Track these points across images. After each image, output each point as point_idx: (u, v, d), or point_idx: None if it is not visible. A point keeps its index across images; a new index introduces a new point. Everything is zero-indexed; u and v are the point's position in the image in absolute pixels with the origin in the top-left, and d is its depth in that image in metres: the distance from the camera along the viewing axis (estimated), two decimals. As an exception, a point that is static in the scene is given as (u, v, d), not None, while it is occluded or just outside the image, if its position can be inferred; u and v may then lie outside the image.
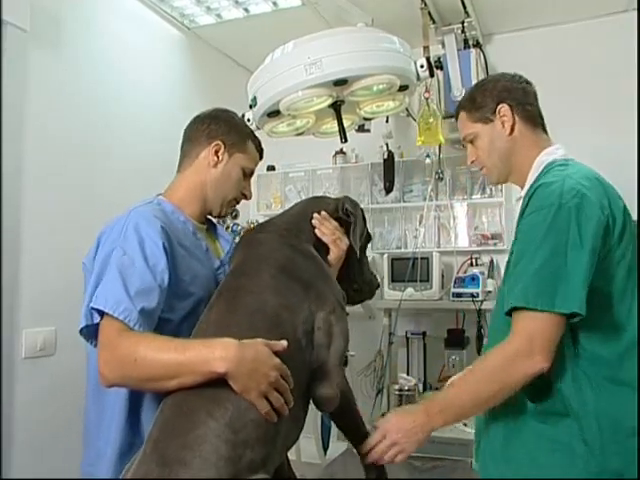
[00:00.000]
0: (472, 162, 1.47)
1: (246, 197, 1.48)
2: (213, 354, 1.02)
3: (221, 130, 1.43)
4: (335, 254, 1.36)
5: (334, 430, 2.52)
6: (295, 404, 1.09)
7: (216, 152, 1.40)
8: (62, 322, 1.96)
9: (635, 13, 2.49)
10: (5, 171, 1.83)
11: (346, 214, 1.39)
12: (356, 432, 1.26)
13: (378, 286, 1.53)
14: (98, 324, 1.12)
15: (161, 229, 1.22)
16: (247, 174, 1.45)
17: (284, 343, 1.07)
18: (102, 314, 1.11)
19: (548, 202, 1.18)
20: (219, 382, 1.01)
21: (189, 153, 1.43)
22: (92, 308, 1.12)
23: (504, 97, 1.39)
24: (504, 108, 1.38)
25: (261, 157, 1.52)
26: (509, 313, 1.18)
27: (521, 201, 1.33)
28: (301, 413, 1.15)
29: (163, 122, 2.53)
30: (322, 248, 1.34)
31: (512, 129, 1.38)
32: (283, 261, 1.23)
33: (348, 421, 1.27)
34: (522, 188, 1.38)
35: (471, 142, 1.44)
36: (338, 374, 1.17)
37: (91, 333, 1.16)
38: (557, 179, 1.22)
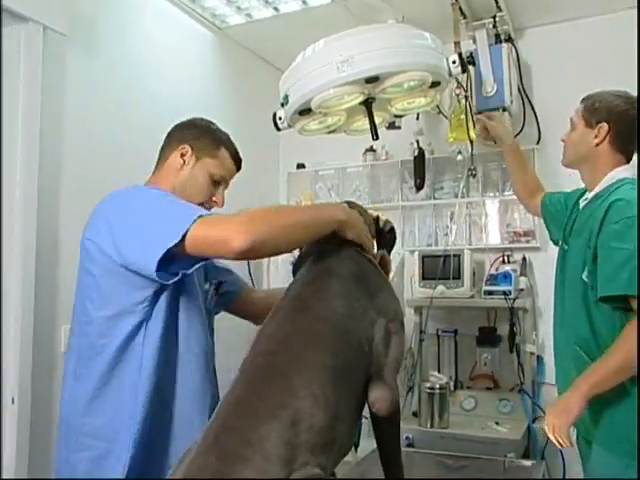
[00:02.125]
0: (562, 140, 1.84)
1: (217, 205, 1.49)
2: (336, 207, 1.30)
3: (192, 135, 1.48)
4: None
5: (365, 428, 2.51)
6: (352, 412, 1.10)
7: (182, 155, 1.44)
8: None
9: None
10: (45, 170, 1.88)
11: (389, 230, 1.45)
12: (390, 456, 1.26)
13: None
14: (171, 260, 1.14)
15: None
16: (217, 181, 1.47)
17: None
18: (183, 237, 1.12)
19: (631, 213, 1.50)
20: (285, 388, 1.03)
21: (161, 156, 1.49)
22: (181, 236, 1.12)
23: (612, 119, 1.67)
24: (603, 128, 1.67)
25: (238, 168, 1.55)
26: (606, 299, 1.51)
27: (586, 202, 1.73)
28: (356, 422, 1.16)
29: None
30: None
31: (599, 144, 1.68)
32: (354, 271, 1.25)
33: (389, 439, 1.25)
34: (588, 186, 1.76)
35: (571, 126, 1.77)
36: (394, 380, 1.19)
37: (165, 271, 1.16)
38: (631, 197, 1.54)
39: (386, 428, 1.22)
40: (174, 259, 1.15)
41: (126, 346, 1.24)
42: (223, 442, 0.98)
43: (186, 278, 1.25)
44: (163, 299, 1.26)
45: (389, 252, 1.47)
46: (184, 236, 1.12)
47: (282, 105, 1.77)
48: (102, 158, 2.11)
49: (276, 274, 2.76)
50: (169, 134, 1.52)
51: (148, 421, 1.23)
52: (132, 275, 1.21)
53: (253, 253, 1.14)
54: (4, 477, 1.72)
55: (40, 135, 1.87)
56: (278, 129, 1.88)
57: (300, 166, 3.01)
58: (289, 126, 1.84)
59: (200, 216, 1.14)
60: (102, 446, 1.23)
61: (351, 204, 1.44)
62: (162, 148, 1.50)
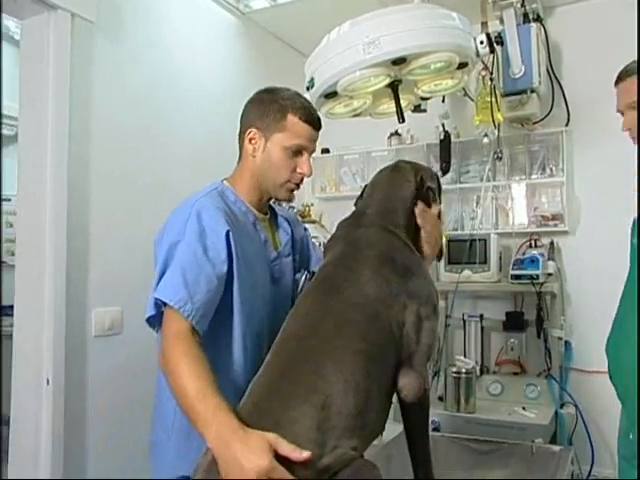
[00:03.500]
0: (628, 129, 1.45)
1: (304, 174, 1.37)
2: (211, 426, 1.01)
3: (254, 114, 1.37)
4: (430, 252, 1.33)
5: (391, 412, 2.52)
6: (382, 398, 1.11)
7: (250, 141, 1.36)
8: (128, 303, 2.03)
9: None
10: (74, 155, 1.91)
11: (427, 191, 1.35)
12: (417, 441, 1.25)
13: None
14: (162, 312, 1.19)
15: (224, 221, 1.24)
16: (295, 151, 1.34)
17: (304, 455, 0.97)
18: (164, 303, 1.17)
19: None
20: (317, 372, 1.05)
21: (240, 145, 1.42)
22: (155, 298, 1.18)
23: None
24: None
25: (315, 126, 1.38)
26: None
27: None
28: (388, 407, 1.17)
29: (220, 107, 2.56)
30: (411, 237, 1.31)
31: None
32: (385, 254, 1.22)
33: (416, 425, 1.25)
34: None
35: (635, 109, 1.41)
36: (424, 367, 1.18)
37: (157, 321, 1.21)
38: None
39: (414, 414, 1.22)
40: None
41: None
42: (255, 423, 1.00)
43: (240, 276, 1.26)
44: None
45: (439, 201, 1.42)
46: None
47: (308, 89, 1.76)
48: (129, 143, 2.13)
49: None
50: (240, 119, 1.42)
51: None
52: None
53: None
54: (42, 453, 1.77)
55: (70, 121, 1.89)
56: (304, 113, 1.87)
57: (325, 151, 2.99)
58: (315, 110, 1.84)
59: (170, 305, 1.17)
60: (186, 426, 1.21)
61: (400, 163, 1.41)
62: (239, 135, 1.43)
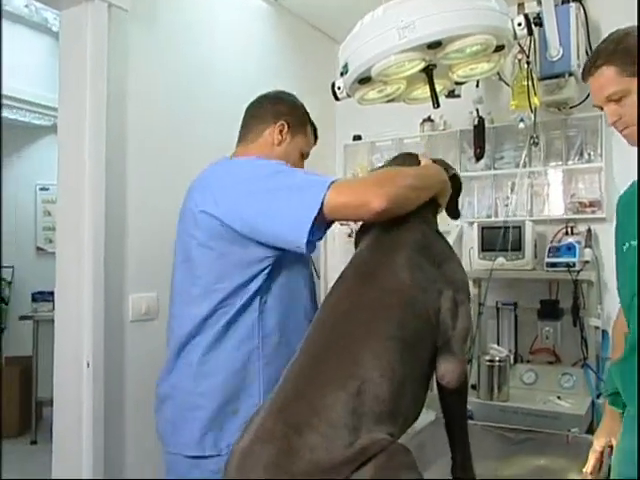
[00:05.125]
0: (614, 123, 1.32)
1: None
2: (436, 170, 1.32)
3: (286, 111, 1.51)
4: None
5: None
6: (418, 385, 1.11)
7: (280, 131, 1.48)
8: (163, 289, 2.05)
9: None
10: (111, 142, 1.93)
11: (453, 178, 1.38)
12: (457, 428, 1.26)
13: None
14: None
15: None
16: (303, 155, 1.54)
17: None
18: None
19: None
20: (353, 358, 1.04)
21: (253, 129, 1.50)
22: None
23: None
24: None
25: (315, 142, 1.60)
26: None
27: None
28: (423, 394, 1.16)
29: (252, 94, 2.55)
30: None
31: None
32: (419, 241, 1.22)
33: (456, 412, 1.25)
34: None
35: (616, 100, 1.28)
36: (462, 352, 1.18)
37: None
38: None
39: (454, 401, 1.22)
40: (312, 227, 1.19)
41: (240, 315, 1.31)
42: (291, 408, 1.00)
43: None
44: (278, 267, 1.32)
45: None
46: (322, 203, 1.16)
47: (341, 74, 1.75)
48: (165, 130, 2.15)
49: (333, 244, 2.76)
50: (260, 106, 1.54)
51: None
52: (255, 247, 1.27)
53: (389, 213, 1.18)
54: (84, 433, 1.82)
55: (107, 110, 1.92)
56: (337, 99, 1.86)
57: (356, 138, 2.97)
58: (348, 96, 1.82)
59: (332, 182, 1.19)
60: (213, 407, 1.30)
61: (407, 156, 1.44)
62: (253, 120, 1.52)
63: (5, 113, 3.45)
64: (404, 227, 1.24)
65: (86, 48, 1.89)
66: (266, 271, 1.30)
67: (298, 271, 1.40)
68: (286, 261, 1.33)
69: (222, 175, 1.34)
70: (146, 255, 2.05)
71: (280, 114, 1.49)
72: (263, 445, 0.98)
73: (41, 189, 4.31)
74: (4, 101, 3.07)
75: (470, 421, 2.06)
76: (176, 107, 2.21)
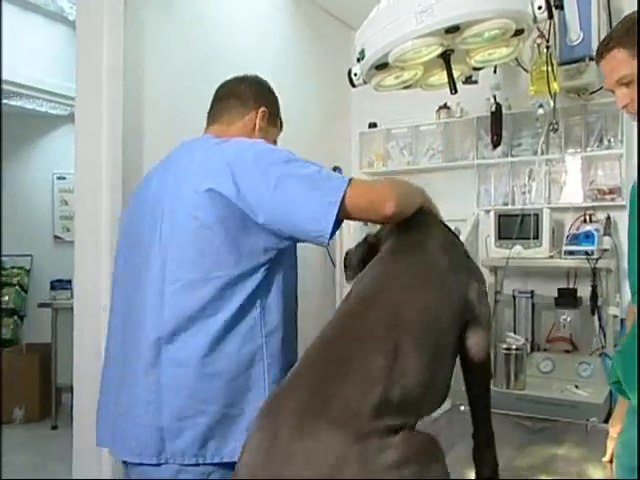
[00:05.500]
0: (624, 106, 1.29)
1: None
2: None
3: (267, 97, 1.48)
4: None
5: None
6: (443, 371, 1.12)
7: (262, 118, 1.44)
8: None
9: None
10: (128, 133, 1.93)
11: None
12: (482, 409, 1.30)
13: None
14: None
15: None
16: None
17: None
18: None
19: None
20: (375, 347, 1.02)
21: (234, 110, 1.44)
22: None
23: None
24: None
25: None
26: None
27: None
28: (446, 382, 1.16)
29: (270, 80, 2.54)
30: None
31: None
32: (447, 237, 1.32)
33: (482, 389, 1.29)
34: None
35: (626, 84, 1.26)
36: (488, 328, 1.23)
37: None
38: None
39: (480, 375, 1.26)
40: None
41: (243, 310, 1.23)
42: (308, 401, 0.98)
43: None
44: (278, 261, 1.27)
45: None
46: (343, 197, 1.15)
47: (358, 60, 1.73)
48: (181, 118, 2.13)
49: (348, 234, 2.75)
50: (241, 87, 1.48)
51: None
52: (265, 235, 1.21)
53: (396, 218, 1.21)
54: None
55: (123, 98, 1.91)
56: (353, 85, 1.84)
57: (372, 125, 2.95)
58: (364, 82, 1.80)
59: (351, 179, 1.19)
60: (216, 411, 1.20)
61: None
62: (234, 100, 1.45)
63: (22, 103, 3.47)
64: (424, 226, 1.30)
65: (103, 36, 1.88)
66: (267, 265, 1.24)
67: (293, 267, 1.36)
68: (285, 256, 1.29)
69: (238, 155, 1.23)
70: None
71: (262, 100, 1.46)
72: (295, 391, 0.98)
73: (58, 178, 4.34)
74: (22, 91, 3.09)
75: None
76: (192, 94, 2.18)
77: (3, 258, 4.04)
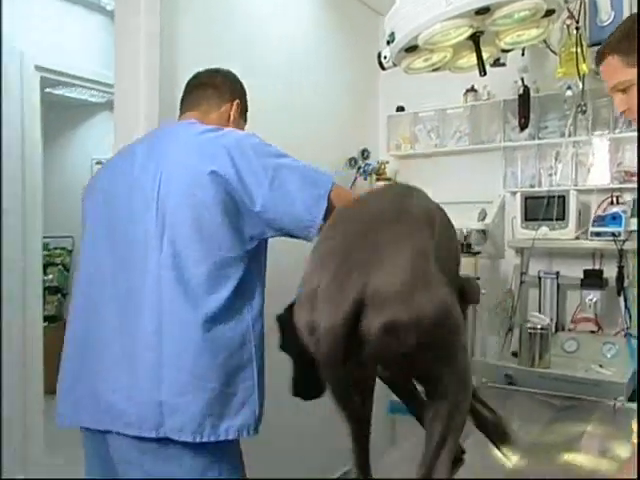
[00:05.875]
0: (622, 112, 1.28)
1: None
2: None
3: (240, 91, 1.52)
4: None
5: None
6: None
7: (236, 110, 1.48)
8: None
9: None
10: (164, 115, 1.91)
11: None
12: None
13: None
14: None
15: None
16: None
17: None
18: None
19: None
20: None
21: (212, 100, 1.46)
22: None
23: None
24: None
25: None
26: None
27: None
28: None
29: (299, 67, 2.53)
30: None
31: None
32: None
33: None
34: None
35: (623, 90, 1.22)
36: None
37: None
38: None
39: None
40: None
41: (238, 290, 1.24)
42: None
43: None
44: (258, 252, 1.31)
45: None
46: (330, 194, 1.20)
47: (388, 43, 1.69)
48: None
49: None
50: (217, 78, 1.50)
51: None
52: (254, 223, 1.23)
53: None
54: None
55: (159, 83, 1.91)
56: (383, 68, 1.80)
57: (399, 109, 2.89)
58: (394, 65, 1.77)
59: (333, 183, 1.25)
60: (214, 388, 1.20)
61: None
62: (210, 90, 1.47)
63: (63, 91, 3.51)
64: None
65: (140, 24, 1.88)
66: (251, 253, 1.27)
67: (264, 261, 1.36)
68: (262, 249, 1.32)
69: (237, 142, 1.24)
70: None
71: (236, 93, 1.50)
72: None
73: (97, 163, 4.38)
74: (64, 79, 3.12)
75: (512, 387, 2.04)
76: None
77: (47, 239, 4.11)
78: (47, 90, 3.18)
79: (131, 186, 1.28)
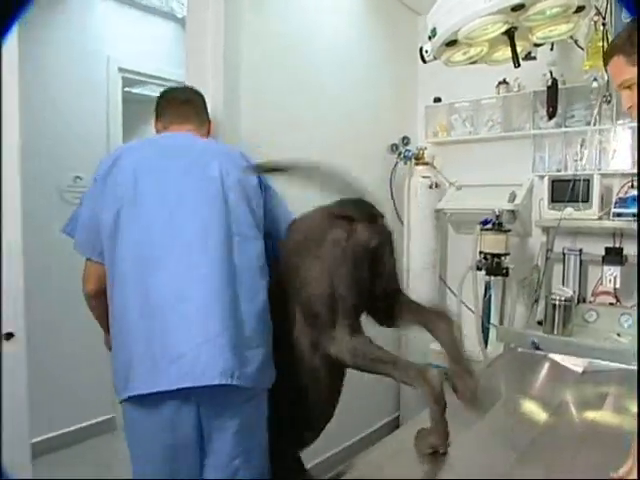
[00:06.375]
0: (629, 109, 1.22)
1: None
2: None
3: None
4: None
5: (492, 331, 2.48)
6: None
7: (211, 128, 1.53)
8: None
9: None
10: (228, 110, 1.95)
11: None
12: None
13: None
14: None
15: None
16: None
17: None
18: None
19: None
20: None
21: (200, 116, 1.49)
22: None
23: None
24: None
25: None
26: None
27: None
28: None
29: (346, 63, 2.52)
30: None
31: None
32: None
33: None
34: None
35: (629, 87, 1.18)
36: None
37: None
38: None
39: None
40: None
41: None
42: None
43: None
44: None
45: None
46: None
47: (429, 38, 1.67)
48: (271, 96, 2.15)
49: (415, 195, 2.72)
50: (200, 100, 1.53)
51: None
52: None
53: None
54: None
55: (224, 80, 1.93)
56: (424, 61, 1.78)
57: (437, 100, 2.85)
58: (435, 58, 1.74)
59: None
60: (269, 345, 1.33)
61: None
62: (201, 108, 1.51)
63: (139, 90, 3.59)
64: None
65: (206, 29, 1.90)
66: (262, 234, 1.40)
67: None
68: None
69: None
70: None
71: (208, 113, 1.54)
72: None
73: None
74: (141, 78, 3.20)
75: (540, 352, 2.01)
76: (280, 76, 2.20)
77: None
78: (127, 89, 3.25)
79: (187, 170, 1.32)
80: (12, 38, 1.37)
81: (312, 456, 1.60)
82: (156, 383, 1.15)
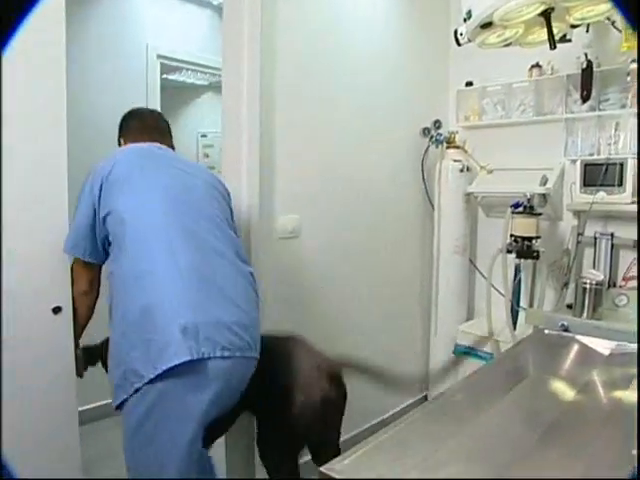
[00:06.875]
0: None
1: None
2: None
3: None
4: None
5: (522, 314, 2.44)
6: None
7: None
8: (304, 213, 2.13)
9: None
10: (264, 97, 1.95)
11: None
12: None
13: None
14: None
15: None
16: None
17: None
18: None
19: None
20: None
21: (167, 136, 1.67)
22: None
23: None
24: None
25: None
26: None
27: None
28: None
29: (379, 48, 2.49)
30: None
31: None
32: None
33: None
34: None
35: None
36: None
37: None
38: None
39: None
40: None
41: None
42: None
43: None
44: None
45: None
46: None
47: (464, 20, 1.62)
48: (306, 85, 2.14)
49: (446, 179, 2.67)
50: (166, 124, 1.70)
51: None
52: None
53: None
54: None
55: (260, 69, 1.93)
56: (458, 44, 1.74)
57: (468, 84, 2.78)
58: (469, 40, 1.70)
59: None
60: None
61: None
62: (167, 130, 1.68)
63: (175, 76, 3.62)
64: None
65: (243, 15, 1.90)
66: None
67: None
68: None
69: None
70: (291, 188, 2.10)
71: None
72: None
73: (201, 136, 4.52)
74: (179, 65, 3.22)
75: (568, 333, 1.97)
76: (314, 65, 2.18)
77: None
78: (164, 76, 3.28)
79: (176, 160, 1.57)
80: (60, 38, 1.39)
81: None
82: (198, 349, 1.21)
